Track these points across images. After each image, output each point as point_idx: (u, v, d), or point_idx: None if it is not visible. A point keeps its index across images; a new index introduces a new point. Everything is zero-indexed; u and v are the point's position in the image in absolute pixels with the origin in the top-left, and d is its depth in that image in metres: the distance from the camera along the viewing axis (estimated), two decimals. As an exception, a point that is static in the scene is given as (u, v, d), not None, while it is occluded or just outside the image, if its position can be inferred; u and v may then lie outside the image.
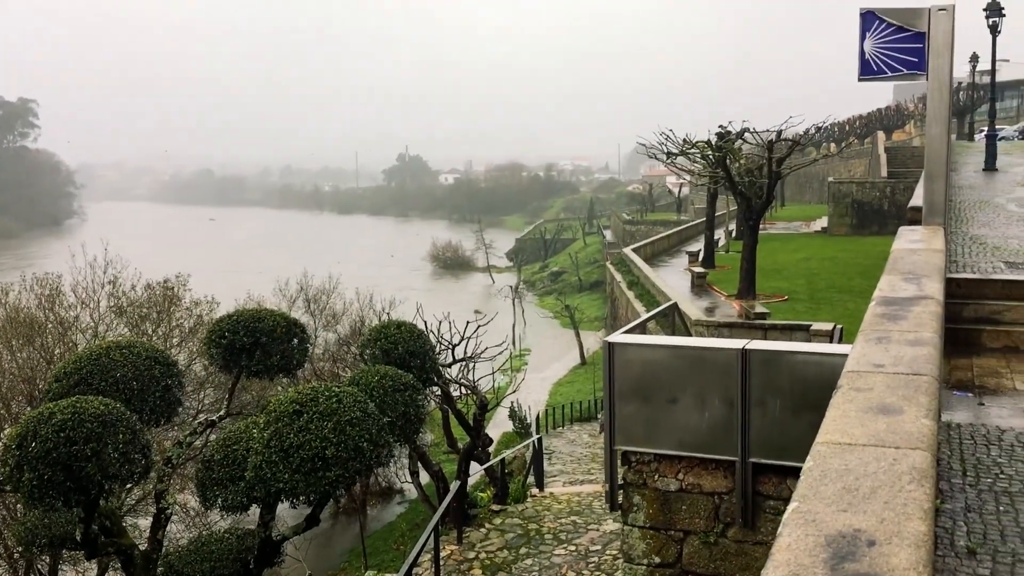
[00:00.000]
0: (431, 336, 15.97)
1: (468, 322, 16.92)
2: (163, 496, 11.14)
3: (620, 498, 9.32)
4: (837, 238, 45.07)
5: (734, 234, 47.03)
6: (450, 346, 16.80)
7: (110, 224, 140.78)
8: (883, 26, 8.49)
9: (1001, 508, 5.71)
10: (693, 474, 8.90)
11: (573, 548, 16.71)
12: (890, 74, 8.54)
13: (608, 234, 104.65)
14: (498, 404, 23.22)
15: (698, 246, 42.07)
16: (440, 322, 17.65)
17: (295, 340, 12.28)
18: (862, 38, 8.55)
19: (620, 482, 9.27)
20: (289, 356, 12.16)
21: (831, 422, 3.45)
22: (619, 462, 9.24)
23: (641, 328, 10.34)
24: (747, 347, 8.51)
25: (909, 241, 7.77)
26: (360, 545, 31.95)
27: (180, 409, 12.05)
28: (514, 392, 27.41)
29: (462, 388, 17.83)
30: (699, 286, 32.88)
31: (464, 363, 17.31)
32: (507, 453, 23.37)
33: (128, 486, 12.29)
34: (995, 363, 9.71)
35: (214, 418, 12.25)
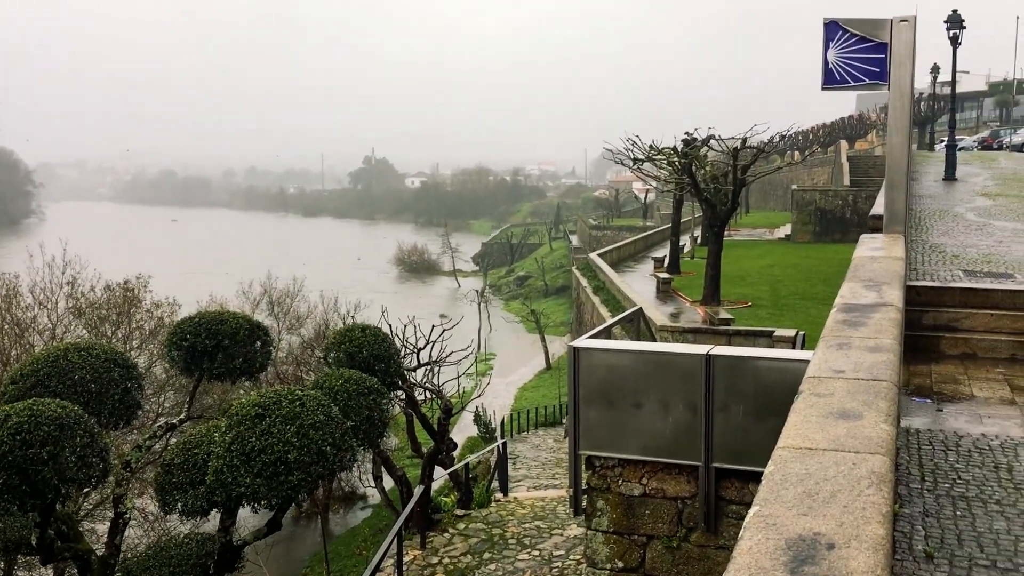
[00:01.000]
0: (396, 340, 15.90)
1: (433, 326, 16.86)
2: (121, 500, 10.97)
3: (584, 503, 9.33)
4: (800, 245, 45.60)
5: (699, 240, 47.40)
6: (415, 350, 16.74)
7: (70, 224, 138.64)
8: (846, 36, 8.61)
9: (958, 513, 5.80)
10: (657, 479, 8.94)
11: (537, 553, 16.70)
12: (853, 84, 8.66)
13: (574, 239, 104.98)
14: (463, 408, 23.17)
15: (664, 252, 42.33)
16: (405, 326, 17.59)
17: (258, 343, 12.16)
18: (825, 48, 8.66)
19: (584, 487, 9.28)
20: (252, 359, 12.03)
21: (792, 427, 3.48)
22: (583, 467, 9.25)
23: (606, 333, 10.36)
24: (711, 352, 8.57)
25: (870, 249, 7.87)
26: (323, 550, 31.70)
27: (140, 412, 11.87)
28: (479, 397, 27.37)
29: (427, 392, 17.76)
30: (664, 292, 33.09)
31: (429, 367, 17.24)
32: (471, 458, 23.33)
33: (85, 490, 12.07)
34: (953, 370, 9.86)
35: (174, 421, 12.08)
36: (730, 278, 31.92)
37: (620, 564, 9.08)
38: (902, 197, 8.58)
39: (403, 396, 16.36)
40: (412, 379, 17.04)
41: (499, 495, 20.70)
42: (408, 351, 16.87)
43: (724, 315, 25.60)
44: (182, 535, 10.63)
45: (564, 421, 41.01)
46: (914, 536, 5.50)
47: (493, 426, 36.46)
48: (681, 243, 44.73)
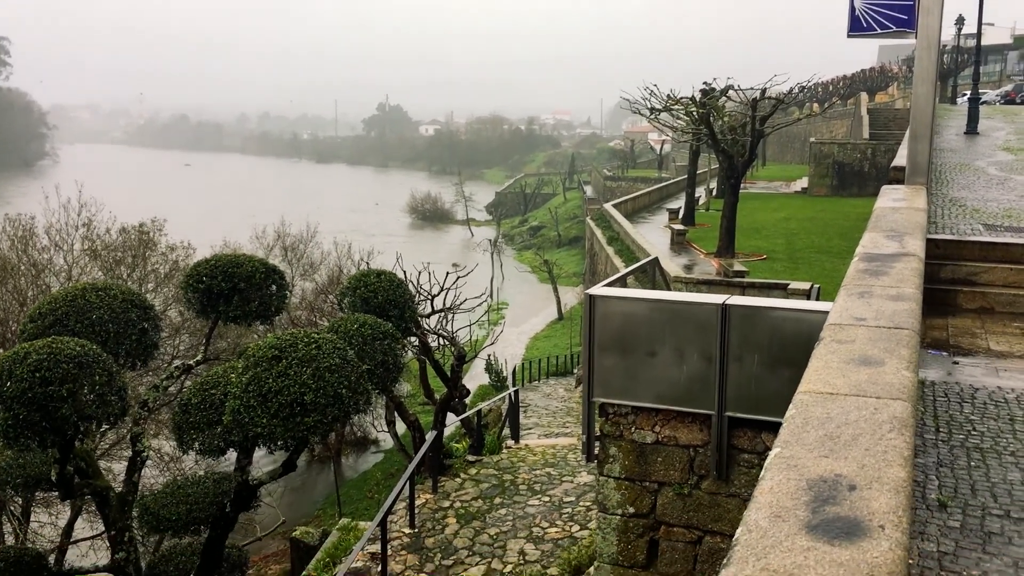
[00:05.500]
0: (410, 286, 15.91)
1: (447, 273, 16.85)
2: (139, 439, 11.11)
3: (596, 449, 9.39)
4: (817, 198, 45.22)
5: (715, 192, 47.07)
6: (429, 297, 16.77)
7: (83, 166, 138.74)
8: (874, -18, 8.43)
9: (972, 463, 5.81)
10: (669, 427, 8.97)
11: (547, 499, 16.89)
12: (879, 31, 8.50)
13: (588, 190, 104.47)
14: (475, 356, 23.23)
15: (679, 203, 42.06)
16: (420, 273, 17.60)
17: (273, 286, 12.20)
18: (853, -7, 8.49)
19: (597, 434, 9.34)
20: (267, 303, 12.09)
21: (813, 372, 3.47)
22: (596, 414, 9.30)
23: (621, 282, 10.34)
24: (727, 302, 8.54)
25: (892, 200, 7.79)
26: (335, 493, 32.18)
27: (156, 353, 11.97)
28: (491, 345, 27.48)
29: (440, 339, 17.84)
30: (679, 243, 32.92)
31: (443, 314, 17.29)
32: (483, 405, 23.48)
33: (103, 428, 12.25)
34: (970, 323, 9.83)
35: (191, 363, 12.18)
36: (745, 231, 31.73)
37: (631, 510, 9.17)
38: (926, 149, 8.47)
39: (417, 342, 16.44)
40: (426, 325, 17.10)
41: (510, 442, 20.87)
42: (422, 298, 16.90)
43: (738, 267, 25.49)
44: (198, 474, 10.78)
45: (576, 371, 41.20)
46: (928, 485, 5.52)
47: (504, 375, 36.66)
48: (697, 195, 44.43)
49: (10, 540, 16.06)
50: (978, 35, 29.23)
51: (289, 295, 13.11)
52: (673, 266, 25.40)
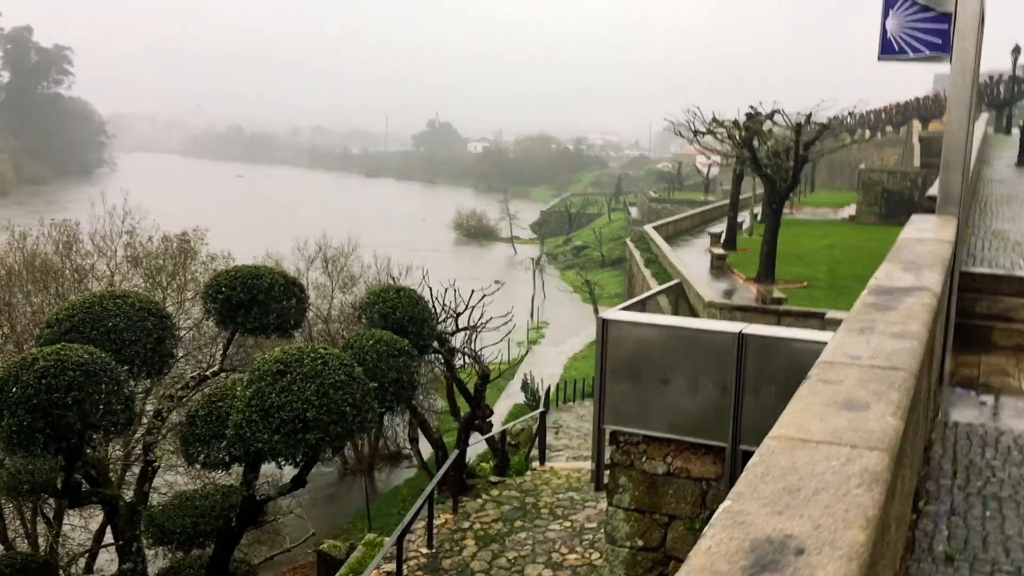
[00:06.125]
0: (436, 303, 15.76)
1: (472, 291, 16.67)
2: (151, 449, 11.06)
3: (606, 478, 9.11)
4: (864, 226, 44.39)
5: (759, 217, 46.40)
6: (454, 314, 16.60)
7: (139, 175, 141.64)
8: (907, 4, 8.10)
9: (987, 513, 5.45)
10: (682, 458, 8.67)
11: (568, 524, 16.57)
12: (912, 55, 8.16)
13: (634, 211, 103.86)
14: (499, 375, 22.99)
15: (721, 227, 41.53)
16: (446, 290, 17.43)
17: (293, 299, 12.12)
18: (884, 15, 8.16)
19: (607, 462, 9.06)
20: (286, 315, 12.00)
21: (790, 415, 3.20)
22: (607, 441, 9.03)
23: (641, 306, 10.07)
24: (744, 331, 8.24)
25: (918, 230, 7.44)
26: (365, 507, 32.06)
27: (172, 361, 11.94)
28: (517, 363, 27.19)
29: (465, 357, 17.65)
30: (718, 267, 32.46)
31: (468, 332, 17.10)
32: (509, 425, 23.22)
33: (110, 436, 12.23)
34: (1004, 362, 9.39)
35: (207, 373, 12.14)
36: (787, 257, 31.16)
37: (640, 542, 8.87)
38: (958, 178, 8.09)
39: (441, 360, 16.27)
40: (451, 343, 16.92)
41: (536, 464, 20.58)
42: (447, 315, 16.74)
43: (777, 294, 24.99)
44: (206, 486, 10.69)
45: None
46: (936, 536, 5.17)
47: (540, 394, 36.35)
48: (740, 219, 43.84)
49: (23, 545, 16.14)
50: (1033, 63, 28.42)
51: (311, 308, 13.02)
52: (709, 291, 24.97)
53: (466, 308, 16.86)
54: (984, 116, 36.64)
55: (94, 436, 9.24)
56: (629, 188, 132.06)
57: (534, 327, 63.10)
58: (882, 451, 2.86)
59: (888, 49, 8.18)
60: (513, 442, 25.91)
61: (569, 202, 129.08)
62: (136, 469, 18.68)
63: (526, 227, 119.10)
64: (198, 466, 10.03)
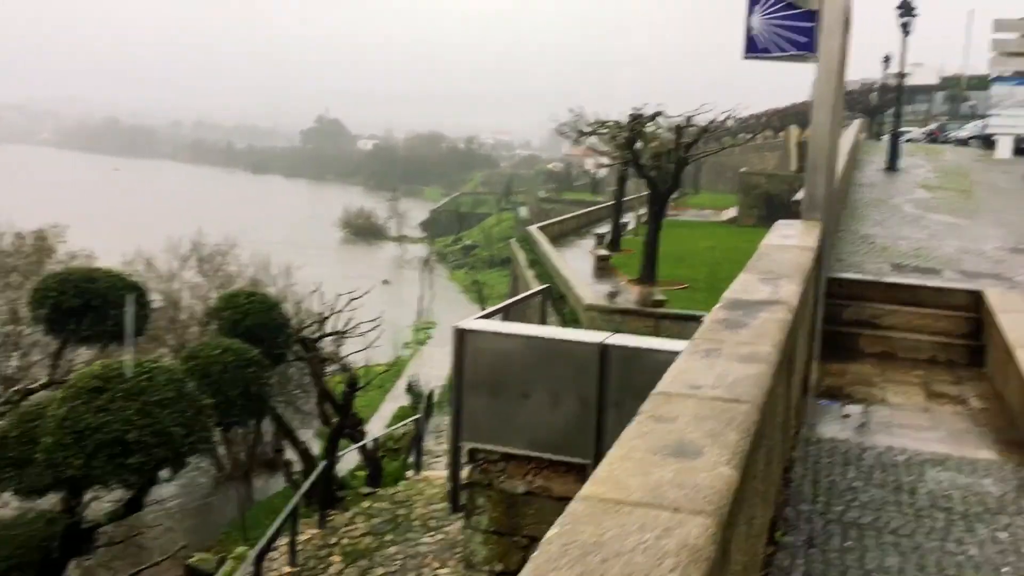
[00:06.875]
0: (300, 308, 14.88)
1: (338, 295, 15.82)
2: (-35, 472, 9.89)
3: (463, 499, 8.53)
4: (745, 228, 45.20)
5: (644, 218, 46.79)
6: (320, 319, 15.73)
7: (7, 168, 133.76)
8: (772, 1, 7.80)
9: (847, 544, 5.07)
10: (543, 476, 8.16)
11: (441, 536, 15.95)
12: (777, 53, 7.86)
13: (523, 211, 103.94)
14: (368, 382, 21.98)
15: (608, 228, 41.62)
16: (312, 293, 16.55)
17: (132, 306, 11.09)
18: (749, 12, 7.84)
19: (464, 482, 8.48)
20: (123, 322, 10.97)
21: (608, 466, 2.66)
22: (464, 460, 8.44)
23: (504, 314, 9.53)
24: (607, 341, 7.78)
25: (781, 236, 7.12)
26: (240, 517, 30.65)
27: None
28: (395, 367, 26.40)
29: (334, 364, 16.82)
30: (602, 269, 32.37)
31: (337, 337, 16.26)
32: (384, 433, 22.47)
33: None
34: (870, 370, 9.23)
35: (33, 386, 11.01)
36: (670, 258, 31.30)
37: (500, 567, 8.32)
38: (822, 181, 7.83)
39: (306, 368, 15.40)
40: (320, 349, 16.07)
41: (410, 473, 19.89)
42: (314, 320, 15.85)
43: (658, 296, 24.96)
44: (27, 512, 9.63)
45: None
46: (792, 573, 4.76)
47: (424, 397, 35.59)
48: (626, 220, 44.04)
49: None
50: (900, 73, 29.35)
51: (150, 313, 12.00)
52: (590, 293, 24.74)
53: (332, 313, 16.00)
54: (857, 122, 37.76)
55: None
56: (519, 188, 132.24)
57: (421, 327, 62.25)
58: (708, 516, 2.34)
59: (753, 48, 7.87)
60: (395, 447, 25.12)
61: (459, 201, 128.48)
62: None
63: (416, 226, 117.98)
64: (9, 493, 8.97)
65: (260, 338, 11.60)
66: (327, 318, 15.66)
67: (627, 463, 2.67)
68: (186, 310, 31.56)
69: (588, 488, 2.51)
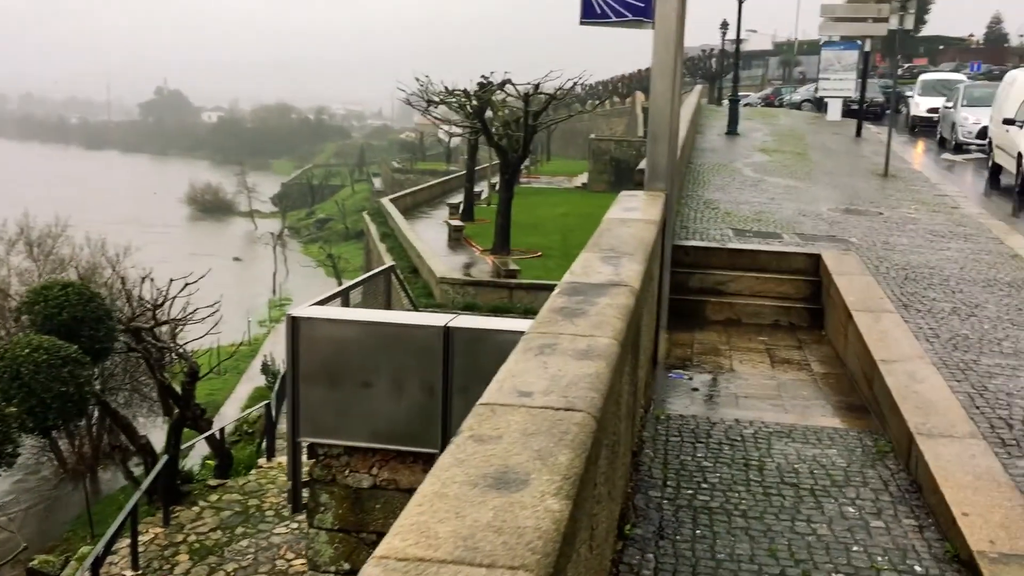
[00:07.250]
0: (129, 295, 13.83)
1: (171, 280, 14.76)
2: None
3: (305, 498, 8.01)
4: (596, 194, 45.74)
5: (497, 187, 46.66)
6: (152, 307, 14.65)
7: None
8: (608, -37, 7.51)
9: (698, 532, 4.87)
10: (389, 468, 7.74)
11: (296, 526, 15.32)
12: (614, 19, 7.60)
13: (377, 182, 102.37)
14: (218, 363, 20.99)
15: (461, 198, 41.25)
16: (143, 279, 15.43)
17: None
18: (585, -25, 7.53)
19: (305, 479, 7.96)
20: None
21: (414, 508, 2.25)
22: (304, 456, 7.92)
23: (344, 299, 8.99)
24: (450, 324, 7.40)
25: (624, 209, 6.88)
26: (87, 513, 28.99)
27: None
28: (243, 348, 25.29)
29: (172, 354, 15.80)
30: (456, 240, 32.04)
31: (173, 326, 15.25)
32: (237, 418, 21.49)
33: None
34: (716, 338, 9.22)
35: None
36: (523, 227, 31.26)
37: (347, 566, 7.87)
38: (665, 150, 7.65)
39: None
40: (152, 339, 15.01)
41: (261, 460, 19.06)
42: (144, 308, 14.76)
43: (512, 266, 24.83)
44: None
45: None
46: (642, 570, 4.52)
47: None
48: (479, 189, 43.76)
49: None
50: (737, 40, 30.11)
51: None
52: (444, 266, 24.35)
53: (165, 300, 14.93)
54: (698, 88, 38.64)
55: None
56: (372, 158, 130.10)
57: (277, 304, 60.45)
58: (529, 571, 1.97)
59: (590, 13, 7.57)
60: (250, 430, 24.11)
61: (311, 174, 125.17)
62: None
63: (267, 200, 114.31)
64: None
65: (79, 333, 10.61)
66: (160, 305, 14.63)
67: (440, 502, 2.26)
68: (16, 299, 29.35)
69: (388, 543, 2.10)
